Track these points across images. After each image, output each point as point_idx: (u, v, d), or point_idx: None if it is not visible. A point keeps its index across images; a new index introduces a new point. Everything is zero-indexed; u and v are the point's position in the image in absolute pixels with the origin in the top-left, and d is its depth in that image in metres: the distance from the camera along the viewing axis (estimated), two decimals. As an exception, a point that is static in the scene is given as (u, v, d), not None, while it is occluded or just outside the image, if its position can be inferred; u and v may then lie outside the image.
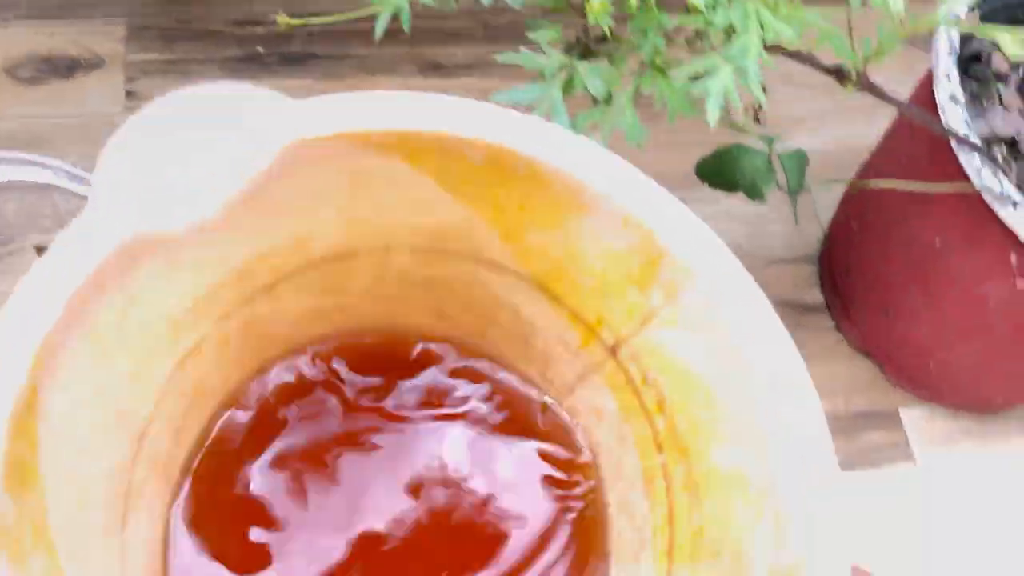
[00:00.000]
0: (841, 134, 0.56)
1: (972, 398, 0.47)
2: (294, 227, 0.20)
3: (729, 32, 0.28)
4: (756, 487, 0.18)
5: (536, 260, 0.21)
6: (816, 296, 0.50)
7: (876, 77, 0.34)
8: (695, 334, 0.19)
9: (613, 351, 0.22)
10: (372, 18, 0.32)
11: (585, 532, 0.24)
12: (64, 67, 0.52)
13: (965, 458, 0.46)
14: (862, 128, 0.53)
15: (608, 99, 0.31)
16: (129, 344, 0.18)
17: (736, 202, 0.48)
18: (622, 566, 0.23)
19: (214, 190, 0.16)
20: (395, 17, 0.35)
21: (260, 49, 0.53)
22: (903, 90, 0.44)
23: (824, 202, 0.53)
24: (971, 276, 0.39)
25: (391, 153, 0.18)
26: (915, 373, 0.47)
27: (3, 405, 0.14)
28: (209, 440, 0.23)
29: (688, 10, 0.28)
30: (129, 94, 0.50)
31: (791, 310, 0.49)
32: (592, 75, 0.30)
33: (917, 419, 0.47)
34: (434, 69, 0.54)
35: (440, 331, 0.26)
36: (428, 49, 0.55)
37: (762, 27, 0.28)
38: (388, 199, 0.20)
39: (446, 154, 0.18)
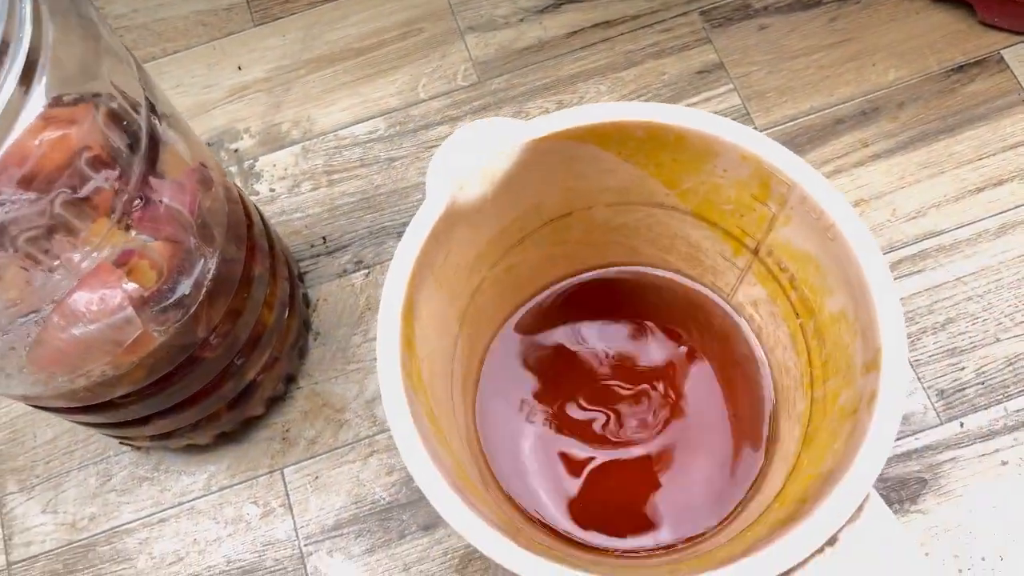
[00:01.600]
0: None
1: None
2: (532, 199, 0.31)
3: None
4: (850, 317, 0.26)
5: (692, 197, 0.31)
6: None
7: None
8: (801, 226, 0.28)
9: (756, 252, 0.31)
10: None
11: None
12: None
13: None
14: None
15: None
16: (449, 280, 0.30)
17: None
18: (787, 410, 0.32)
19: (489, 177, 0.28)
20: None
21: None
22: None
23: None
24: None
25: (586, 141, 0.29)
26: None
27: (398, 305, 0.27)
28: (489, 348, 0.35)
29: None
30: None
31: None
32: None
33: None
34: None
35: (635, 262, 0.36)
36: None
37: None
38: (588, 171, 0.30)
39: (620, 135, 0.29)
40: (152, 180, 0.25)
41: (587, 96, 0.45)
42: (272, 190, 0.44)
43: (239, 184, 0.44)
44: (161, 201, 0.26)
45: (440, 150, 0.28)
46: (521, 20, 0.46)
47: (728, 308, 0.35)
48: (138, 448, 0.40)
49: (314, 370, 0.41)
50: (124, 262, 0.25)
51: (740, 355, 0.35)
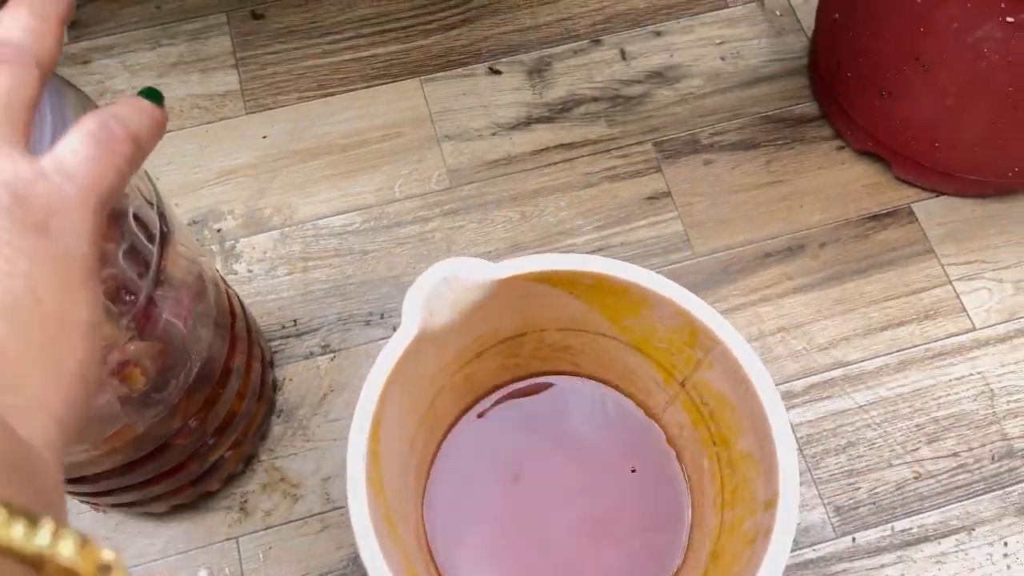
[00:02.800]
0: None
1: (985, 176, 0.46)
2: (492, 323, 0.35)
3: None
4: (756, 458, 0.31)
5: (631, 333, 0.36)
6: (809, 107, 0.51)
7: None
8: (721, 374, 0.32)
9: (683, 384, 0.36)
10: None
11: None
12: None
13: (982, 245, 0.47)
14: None
15: None
16: (413, 391, 0.34)
17: (711, 29, 0.53)
18: (700, 524, 0.37)
19: (457, 307, 0.32)
20: None
21: None
22: None
23: (806, 11, 0.53)
24: (959, 26, 0.38)
25: (543, 282, 0.33)
26: (923, 159, 0.45)
27: (367, 424, 0.30)
28: (443, 442, 0.39)
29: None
30: (72, 23, 0.52)
31: (785, 124, 0.51)
32: None
33: (932, 211, 0.48)
34: None
35: (579, 373, 0.41)
36: None
37: None
38: (543, 304, 0.35)
39: (573, 280, 0.33)
40: (155, 296, 0.28)
41: (547, 210, 0.49)
42: (250, 271, 0.48)
43: (219, 263, 0.48)
44: (161, 316, 0.29)
45: (417, 282, 0.32)
46: (493, 134, 0.51)
47: (656, 425, 0.40)
48: (98, 508, 0.42)
49: (275, 445, 0.44)
50: (119, 371, 0.29)
51: (666, 467, 0.39)
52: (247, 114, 0.52)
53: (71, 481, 0.35)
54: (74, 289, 0.19)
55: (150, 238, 0.28)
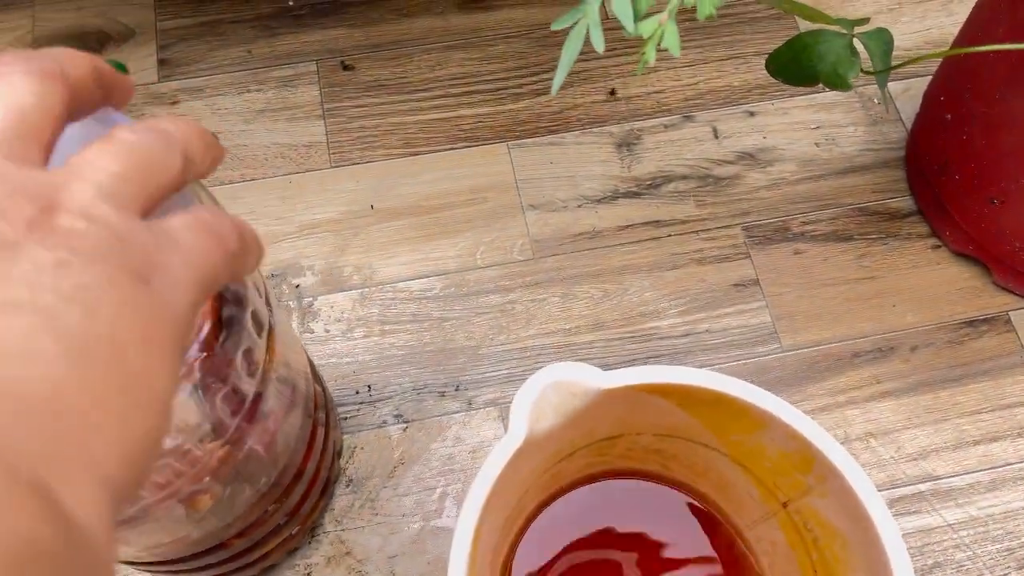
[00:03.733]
0: (917, 27, 0.55)
1: None
2: (590, 425, 0.34)
3: None
4: None
5: (735, 448, 0.34)
6: (905, 201, 0.49)
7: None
8: (836, 505, 0.31)
9: (784, 505, 0.34)
10: None
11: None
12: (95, 41, 0.53)
13: None
14: (939, 19, 0.54)
15: None
16: (504, 493, 0.33)
17: (806, 113, 0.52)
18: None
19: (562, 413, 0.31)
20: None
21: (290, 2, 0.54)
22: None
23: (906, 100, 0.52)
24: None
25: (654, 393, 0.32)
26: None
27: (471, 526, 0.29)
28: (525, 531, 0.38)
29: None
30: (163, 62, 0.53)
31: (880, 218, 0.49)
32: None
33: None
34: (473, 3, 0.54)
35: (665, 476, 0.39)
36: None
37: None
38: (648, 412, 0.34)
39: (686, 394, 0.32)
40: (244, 427, 0.27)
41: (631, 289, 0.48)
42: (327, 331, 0.47)
43: (296, 321, 0.47)
44: (245, 445, 0.28)
45: (526, 386, 0.30)
46: (579, 206, 0.50)
47: (744, 538, 0.38)
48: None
49: (342, 516, 0.42)
50: (190, 501, 0.28)
51: None
52: (332, 167, 0.51)
53: (133, 564, 0.34)
54: (163, 353, 0.17)
55: (251, 371, 0.27)
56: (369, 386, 0.45)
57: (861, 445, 0.45)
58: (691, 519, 0.39)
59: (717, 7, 0.28)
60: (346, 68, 0.54)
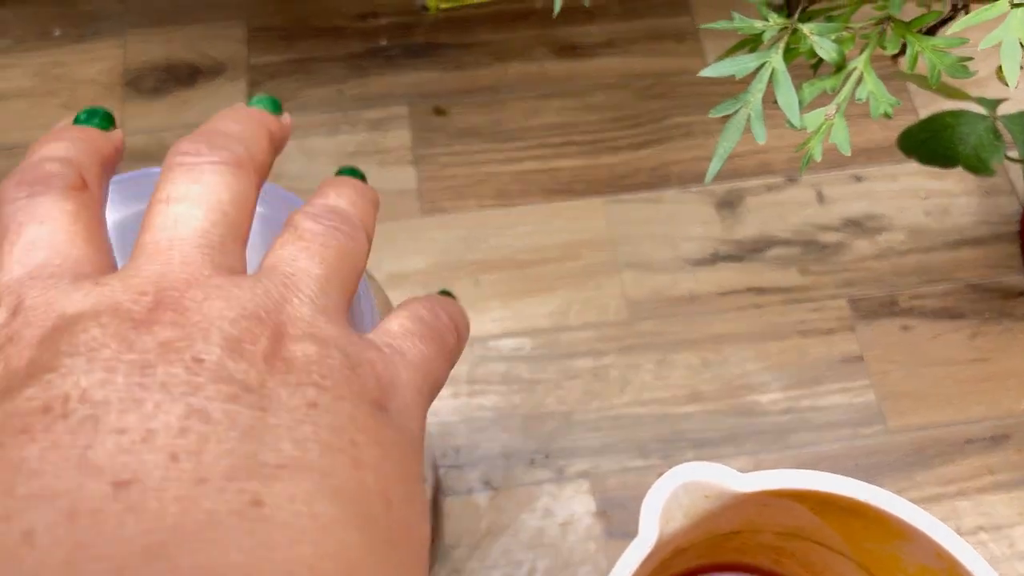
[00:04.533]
0: None
1: None
2: (715, 524, 0.32)
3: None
4: None
5: (866, 556, 0.32)
6: (1019, 279, 0.47)
7: None
8: None
9: None
10: (500, 2, 0.30)
11: None
12: (186, 75, 0.52)
13: None
14: None
15: (842, 63, 0.25)
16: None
17: (916, 180, 0.49)
18: None
19: (691, 515, 0.29)
20: None
21: (383, 42, 0.53)
22: None
23: (1017, 172, 0.49)
24: None
25: (788, 498, 0.30)
26: None
27: None
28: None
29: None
30: None
31: (993, 295, 0.47)
32: (821, 36, 0.24)
33: None
34: (570, 50, 0.53)
35: (776, 572, 0.37)
36: (562, 30, 0.53)
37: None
38: (776, 514, 0.32)
39: (824, 500, 0.30)
40: None
41: (731, 360, 0.46)
42: (414, 388, 0.45)
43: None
44: None
45: (657, 486, 0.29)
46: (679, 268, 0.48)
47: None
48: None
49: (427, 587, 0.41)
50: None
51: None
52: (422, 216, 0.50)
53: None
54: (415, 490, 0.16)
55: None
56: (457, 449, 0.44)
57: (972, 540, 0.42)
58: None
59: (894, 106, 0.26)
60: (439, 113, 0.52)
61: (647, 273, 0.48)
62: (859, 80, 0.26)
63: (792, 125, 0.27)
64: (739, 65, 0.26)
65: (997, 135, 0.35)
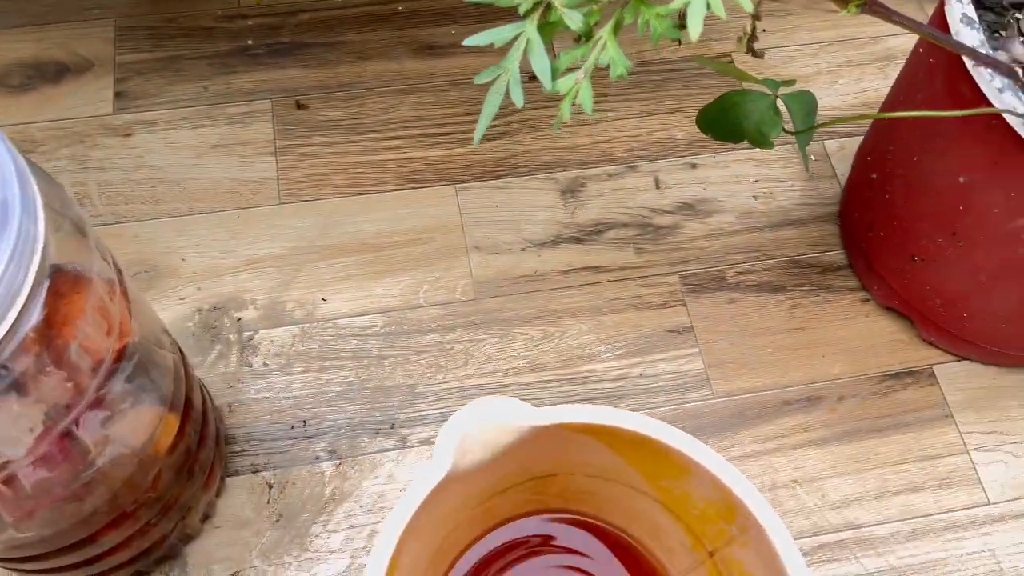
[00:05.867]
0: (854, 89, 0.57)
1: (1010, 349, 0.46)
2: (523, 462, 0.34)
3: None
4: None
5: (665, 493, 0.34)
6: (837, 256, 0.51)
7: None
8: (756, 557, 0.31)
9: (711, 554, 0.35)
10: (363, 3, 0.33)
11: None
12: (53, 72, 0.54)
13: (1002, 416, 0.46)
14: (875, 81, 0.56)
15: (589, 34, 0.29)
16: (428, 529, 0.33)
17: (746, 167, 0.53)
18: None
19: (491, 447, 0.30)
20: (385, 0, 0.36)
21: (249, 41, 0.56)
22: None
23: (840, 158, 0.54)
24: (1001, 211, 0.37)
25: (584, 433, 0.32)
26: (949, 326, 0.45)
27: (384, 557, 0.28)
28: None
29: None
30: (119, 95, 0.53)
31: (812, 271, 0.51)
32: (570, 9, 0.28)
33: (953, 375, 0.48)
34: (428, 50, 0.56)
35: (600, 518, 0.39)
36: (421, 31, 0.56)
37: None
38: (580, 451, 0.33)
39: (615, 435, 0.32)
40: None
41: (569, 332, 0.49)
42: (265, 364, 0.47)
43: (235, 355, 0.47)
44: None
45: (453, 419, 0.30)
46: (523, 249, 0.51)
47: None
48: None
49: (271, 552, 0.42)
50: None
51: None
52: (280, 203, 0.52)
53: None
54: None
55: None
56: (304, 421, 0.46)
57: (787, 492, 0.46)
58: (623, 563, 0.40)
59: (628, 68, 0.29)
60: (300, 107, 0.55)
61: (493, 255, 0.51)
62: (603, 47, 0.29)
63: (546, 88, 0.29)
64: (497, 35, 0.29)
65: (776, 112, 0.39)
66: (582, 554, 0.40)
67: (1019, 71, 0.33)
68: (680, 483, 0.34)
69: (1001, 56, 0.37)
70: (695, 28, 0.26)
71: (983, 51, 0.33)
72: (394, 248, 0.51)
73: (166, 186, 0.52)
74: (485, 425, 0.31)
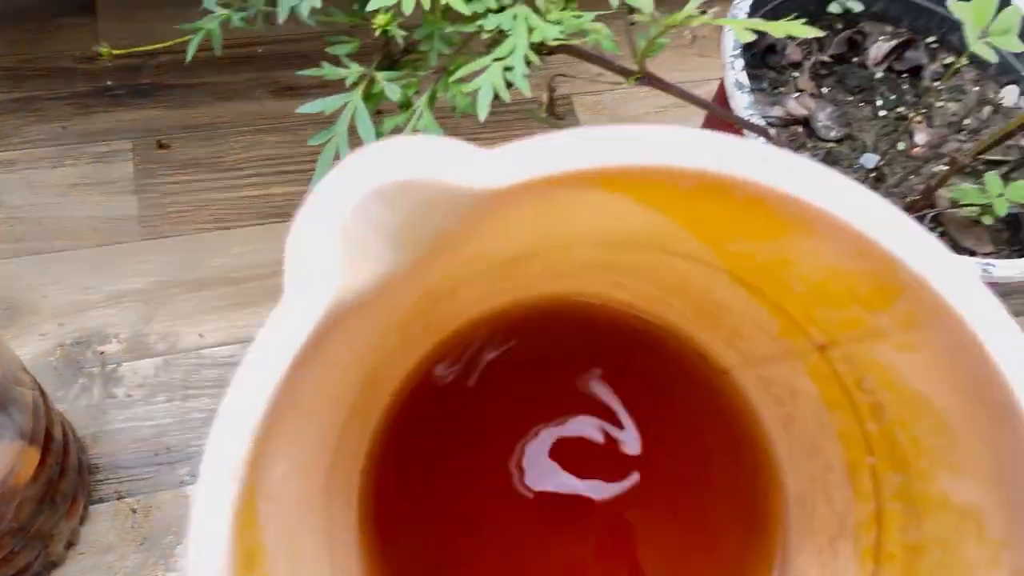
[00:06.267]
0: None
1: None
2: (480, 248, 0.19)
3: (501, 35, 0.29)
4: (995, 534, 0.17)
5: (738, 260, 0.21)
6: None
7: (678, 76, 0.36)
8: (933, 369, 0.18)
9: (822, 348, 0.22)
10: (223, 46, 0.36)
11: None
12: None
13: None
14: (699, 121, 0.55)
15: (407, 104, 0.32)
16: (315, 407, 0.18)
17: None
18: (813, 543, 0.24)
19: (412, 244, 0.16)
20: (245, 43, 0.40)
21: (109, 82, 0.57)
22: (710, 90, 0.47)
23: None
24: None
25: (587, 186, 0.17)
26: None
27: (224, 517, 0.14)
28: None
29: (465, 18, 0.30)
30: None
31: None
32: (390, 83, 0.32)
33: None
34: (288, 91, 0.59)
35: (619, 298, 0.26)
36: (280, 73, 0.59)
37: (530, 30, 0.29)
38: (576, 216, 0.20)
39: (648, 182, 0.17)
40: None
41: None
42: (129, 395, 0.49)
43: (98, 387, 0.49)
44: None
45: (316, 196, 0.16)
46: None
47: (732, 378, 0.26)
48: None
49: (134, 574, 0.45)
50: None
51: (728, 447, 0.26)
52: (142, 240, 0.54)
53: None
54: None
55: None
56: (168, 447, 0.48)
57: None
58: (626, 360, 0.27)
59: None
60: (161, 147, 0.57)
61: (351, 284, 0.55)
62: (421, 115, 0.34)
63: (372, 147, 0.34)
64: (327, 104, 0.33)
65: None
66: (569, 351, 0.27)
67: (771, 131, 0.39)
68: (773, 247, 0.19)
69: (777, 111, 0.43)
70: (483, 111, 0.30)
71: (748, 113, 0.39)
72: (256, 280, 0.54)
73: (26, 225, 0.53)
74: (391, 204, 0.15)
